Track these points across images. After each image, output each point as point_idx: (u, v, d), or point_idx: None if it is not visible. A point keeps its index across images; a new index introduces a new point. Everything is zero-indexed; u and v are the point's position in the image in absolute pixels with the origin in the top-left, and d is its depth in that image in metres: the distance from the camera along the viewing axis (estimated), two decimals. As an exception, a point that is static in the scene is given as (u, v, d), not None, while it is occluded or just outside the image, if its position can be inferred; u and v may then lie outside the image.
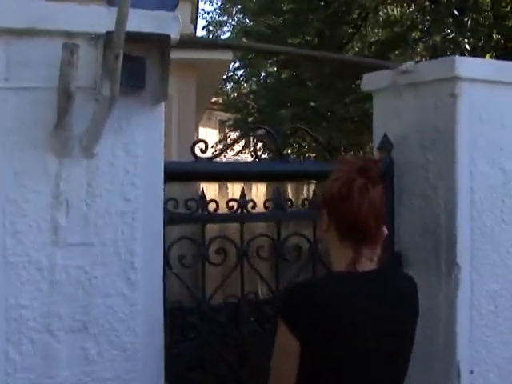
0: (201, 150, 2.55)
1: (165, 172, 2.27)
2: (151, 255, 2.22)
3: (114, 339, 2.14)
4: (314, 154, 17.43)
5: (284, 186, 2.57)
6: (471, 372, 2.65)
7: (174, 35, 2.15)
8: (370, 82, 3.09)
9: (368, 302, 1.82)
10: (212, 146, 18.55)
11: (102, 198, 2.12)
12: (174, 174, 2.38)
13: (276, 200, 2.69)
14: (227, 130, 22.60)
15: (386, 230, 1.91)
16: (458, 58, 2.64)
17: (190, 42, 2.86)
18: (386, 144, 2.86)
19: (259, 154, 2.87)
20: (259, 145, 3.00)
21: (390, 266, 2.44)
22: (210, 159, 2.56)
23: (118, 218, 2.15)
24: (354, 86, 18.14)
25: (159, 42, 2.13)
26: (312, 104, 17.88)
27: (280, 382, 1.82)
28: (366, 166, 1.86)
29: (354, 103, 17.94)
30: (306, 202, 2.77)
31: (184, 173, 2.51)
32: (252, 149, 2.85)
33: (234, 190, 2.55)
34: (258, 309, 2.66)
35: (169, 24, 2.14)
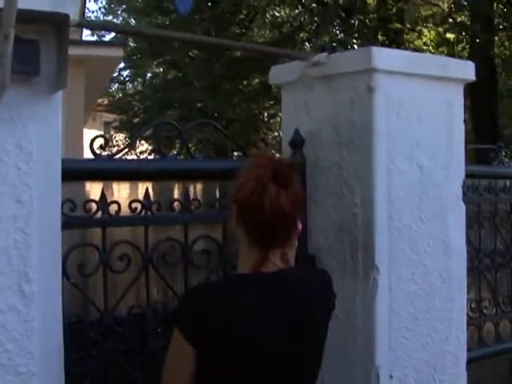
0: (101, 146, 2.31)
1: (63, 171, 2.02)
2: (48, 264, 1.96)
3: (5, 362, 1.86)
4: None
5: (188, 186, 2.40)
6: (391, 377, 2.54)
7: (73, 16, 1.90)
8: (278, 74, 2.93)
9: (265, 311, 1.73)
10: (97, 148, 18.06)
11: (-11, 201, 1.85)
12: (72, 173, 2.13)
13: (183, 201, 2.48)
14: (112, 132, 22.02)
15: (300, 226, 1.85)
16: (374, 48, 2.52)
17: (84, 25, 2.61)
18: (298, 140, 2.71)
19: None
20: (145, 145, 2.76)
21: (303, 262, 2.32)
22: (110, 156, 2.32)
23: (9, 223, 1.88)
24: (241, 86, 18.26)
25: (56, 23, 1.88)
26: (199, 105, 17.77)
27: None
28: (280, 173, 1.76)
29: (241, 104, 18.03)
30: (216, 202, 2.57)
31: (82, 171, 2.25)
32: (157, 148, 2.62)
33: (141, 190, 2.33)
34: (165, 319, 2.43)
35: (67, 3, 1.88)
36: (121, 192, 2.58)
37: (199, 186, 2.71)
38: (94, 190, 2.48)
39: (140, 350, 2.37)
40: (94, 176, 2.29)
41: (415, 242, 2.62)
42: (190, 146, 2.51)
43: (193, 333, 1.70)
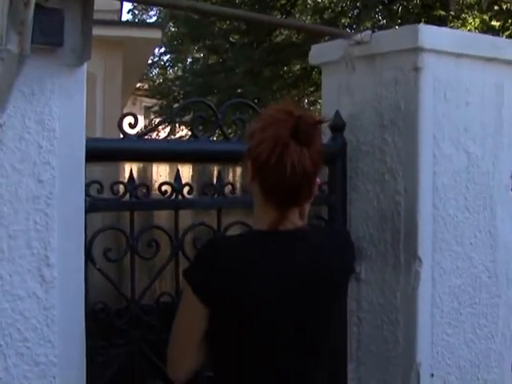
0: (130, 124, 2.18)
1: (87, 150, 1.90)
2: (70, 248, 1.86)
3: (24, 351, 1.77)
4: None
5: (223, 169, 2.27)
6: (432, 375, 2.40)
7: (101, -16, 1.77)
8: (318, 54, 2.77)
9: (280, 268, 1.62)
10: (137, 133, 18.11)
11: (8, 180, 1.74)
12: (98, 153, 2.01)
13: (216, 184, 2.35)
14: (152, 117, 22.06)
15: (318, 180, 1.73)
16: (421, 26, 2.35)
17: None
18: (339, 122, 2.56)
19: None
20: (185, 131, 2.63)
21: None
22: (139, 136, 2.19)
23: (28, 203, 1.77)
24: (281, 72, 18.09)
25: (81, -9, 1.76)
26: (239, 91, 17.66)
27: (182, 346, 1.71)
28: (302, 131, 1.60)
29: (281, 90, 17.87)
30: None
31: (109, 151, 2.13)
32: (190, 129, 2.49)
33: (172, 172, 2.20)
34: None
35: (93, -31, 1.76)
36: (151, 174, 2.45)
37: (234, 170, 2.57)
38: (124, 171, 2.36)
39: (168, 341, 2.24)
40: (122, 156, 2.16)
41: (461, 232, 2.46)
42: (225, 127, 2.37)
43: (204, 292, 1.62)
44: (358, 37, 2.51)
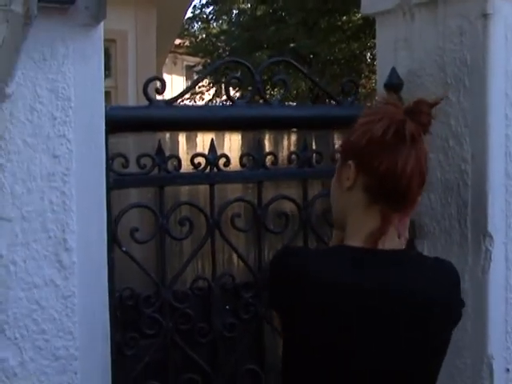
0: (156, 90, 2.19)
1: (108, 121, 1.92)
2: (91, 231, 1.89)
3: (41, 345, 1.81)
4: (294, 104, 17.22)
5: (262, 137, 2.27)
6: (507, 370, 2.36)
7: None
8: (371, 2, 2.73)
9: (373, 304, 1.55)
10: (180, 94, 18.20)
11: (20, 156, 1.78)
12: (121, 123, 2.03)
13: (256, 154, 2.34)
14: (195, 77, 22.15)
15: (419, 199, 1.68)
16: (490, -35, 2.28)
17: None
18: (395, 81, 2.52)
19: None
20: (233, 92, 2.63)
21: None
22: (168, 102, 2.20)
23: (43, 182, 1.81)
24: (339, 23, 17.92)
25: None
26: (292, 45, 17.60)
27: None
28: (418, 109, 1.59)
29: (340, 43, 17.72)
30: (293, 156, 2.42)
31: (134, 120, 2.14)
32: (224, 90, 2.48)
33: (206, 142, 2.20)
34: (235, 295, 2.33)
35: None
36: (182, 145, 2.47)
37: (274, 138, 2.56)
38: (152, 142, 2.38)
39: (205, 331, 2.27)
40: (147, 126, 2.18)
41: (540, 205, 2.40)
42: (267, 89, 2.36)
43: (273, 301, 1.70)
44: (418, -19, 2.47)
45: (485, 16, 2.29)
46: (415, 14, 2.52)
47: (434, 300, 1.61)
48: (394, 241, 1.63)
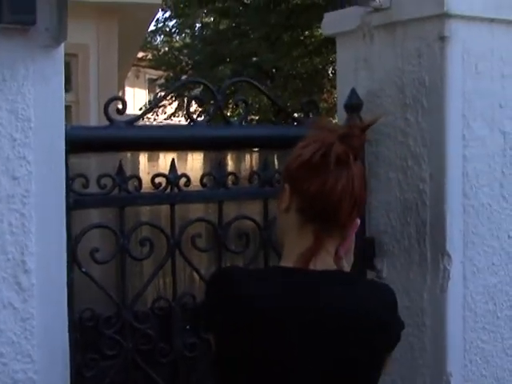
0: (118, 110, 2.19)
1: (68, 140, 1.92)
2: (50, 252, 1.90)
3: (-1, 368, 1.80)
4: (256, 117, 17.28)
5: (223, 157, 2.28)
6: (465, 387, 2.40)
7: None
8: (332, 23, 2.77)
9: (304, 328, 1.57)
10: (140, 109, 18.18)
11: (-22, 177, 1.77)
12: (81, 143, 2.04)
13: (216, 174, 2.36)
14: (158, 90, 22.12)
15: (358, 221, 1.70)
16: (447, -12, 2.33)
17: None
18: (355, 101, 2.55)
19: (194, 116, 2.53)
20: (194, 106, 2.65)
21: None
22: (129, 122, 2.20)
23: (2, 204, 1.81)
24: (302, 38, 18.04)
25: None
26: (254, 59, 17.67)
27: None
28: (350, 133, 1.63)
29: (302, 58, 17.83)
30: (254, 175, 2.44)
31: (94, 140, 2.15)
32: (185, 110, 2.50)
33: (167, 162, 2.21)
34: (195, 314, 2.33)
35: None
36: (143, 165, 2.47)
37: (236, 157, 2.58)
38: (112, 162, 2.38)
39: (165, 351, 2.28)
40: (108, 146, 2.18)
41: (496, 225, 2.45)
42: (229, 104, 2.38)
43: (207, 321, 1.69)
44: (377, 2, 2.51)
45: (442, 38, 2.34)
46: (375, 36, 2.56)
47: (366, 319, 1.61)
48: (326, 262, 1.64)
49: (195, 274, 2.37)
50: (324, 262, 1.64)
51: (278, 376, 1.58)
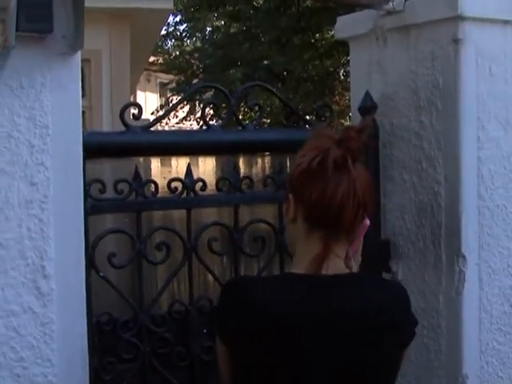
0: (133, 116, 2.21)
1: (85, 146, 1.94)
2: (69, 257, 1.91)
3: (20, 372, 1.82)
4: (268, 120, 17.28)
5: (236, 161, 2.30)
6: (481, 389, 2.39)
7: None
8: (345, 26, 2.77)
9: (317, 332, 1.59)
10: (152, 113, 18.21)
11: (-3, 183, 1.78)
12: (98, 149, 2.05)
13: (232, 178, 2.37)
14: (169, 94, 22.15)
15: (368, 222, 1.71)
16: (461, -9, 2.33)
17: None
18: (369, 104, 2.56)
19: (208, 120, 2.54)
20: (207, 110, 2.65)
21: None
22: (144, 128, 2.22)
23: (21, 209, 1.82)
24: (313, 40, 18.04)
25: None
26: (265, 63, 17.66)
27: None
28: (346, 136, 1.63)
29: (313, 61, 17.81)
30: (268, 179, 2.45)
31: (111, 146, 2.16)
32: (199, 114, 2.51)
33: (180, 167, 2.21)
34: (212, 318, 2.34)
35: None
36: (157, 170, 2.49)
37: (251, 162, 2.59)
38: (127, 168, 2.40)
39: (182, 354, 2.29)
40: (124, 151, 2.20)
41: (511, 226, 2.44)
42: (241, 107, 2.39)
43: (221, 332, 1.68)
44: (390, 5, 2.50)
45: (456, 41, 2.34)
46: (388, 39, 2.56)
47: (378, 320, 1.63)
48: (337, 266, 1.65)
49: (211, 278, 2.39)
50: (335, 265, 1.65)
51: (291, 381, 1.59)
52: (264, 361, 1.60)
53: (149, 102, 22.97)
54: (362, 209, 1.65)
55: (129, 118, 2.20)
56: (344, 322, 1.60)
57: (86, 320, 1.94)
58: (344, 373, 1.60)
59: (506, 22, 2.40)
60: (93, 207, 2.09)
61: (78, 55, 1.87)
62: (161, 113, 18.67)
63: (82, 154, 1.92)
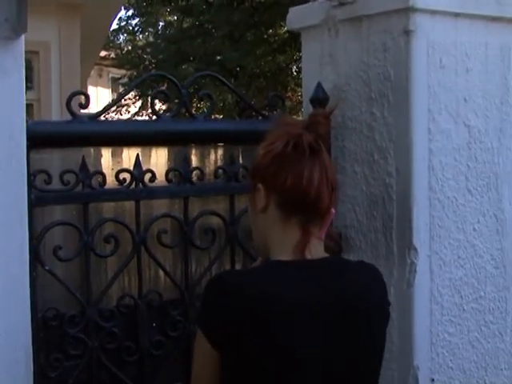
0: (80, 105, 2.15)
1: (29, 136, 1.88)
2: (12, 249, 1.85)
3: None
4: (220, 116, 17.26)
5: (188, 152, 2.24)
6: (432, 380, 2.39)
7: None
8: (297, 17, 2.74)
9: (305, 308, 1.58)
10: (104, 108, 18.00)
11: None
12: (43, 138, 1.99)
13: (182, 169, 2.32)
14: (121, 89, 21.97)
15: (333, 210, 1.71)
16: (413, -18, 2.32)
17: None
18: (321, 96, 2.53)
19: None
20: (159, 105, 2.60)
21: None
22: (92, 117, 2.16)
23: (-39, 200, 1.75)
24: (266, 36, 18.05)
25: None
26: (218, 58, 17.64)
27: None
28: (315, 121, 1.64)
29: (266, 56, 17.84)
30: (220, 170, 2.41)
31: (57, 136, 2.10)
32: (149, 107, 2.46)
33: (132, 158, 2.17)
34: (162, 312, 2.30)
35: None
36: (106, 161, 2.43)
37: (203, 153, 2.55)
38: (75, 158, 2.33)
39: (131, 349, 2.24)
40: (71, 141, 2.14)
41: (462, 218, 2.44)
42: (193, 102, 2.34)
43: (212, 332, 1.59)
44: (342, -4, 2.49)
45: (407, 32, 2.32)
46: (340, 30, 2.54)
47: (375, 302, 1.70)
48: (318, 250, 1.67)
49: (161, 271, 2.34)
50: (316, 250, 1.66)
51: (293, 371, 1.57)
52: (264, 354, 1.55)
53: (101, 97, 22.75)
54: (334, 193, 1.67)
55: (76, 109, 2.14)
56: (339, 304, 1.60)
57: (29, 315, 1.88)
58: (343, 355, 1.61)
59: (457, 15, 2.40)
60: (37, 198, 2.03)
61: (22, 41, 1.81)
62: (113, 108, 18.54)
63: (25, 143, 1.85)
